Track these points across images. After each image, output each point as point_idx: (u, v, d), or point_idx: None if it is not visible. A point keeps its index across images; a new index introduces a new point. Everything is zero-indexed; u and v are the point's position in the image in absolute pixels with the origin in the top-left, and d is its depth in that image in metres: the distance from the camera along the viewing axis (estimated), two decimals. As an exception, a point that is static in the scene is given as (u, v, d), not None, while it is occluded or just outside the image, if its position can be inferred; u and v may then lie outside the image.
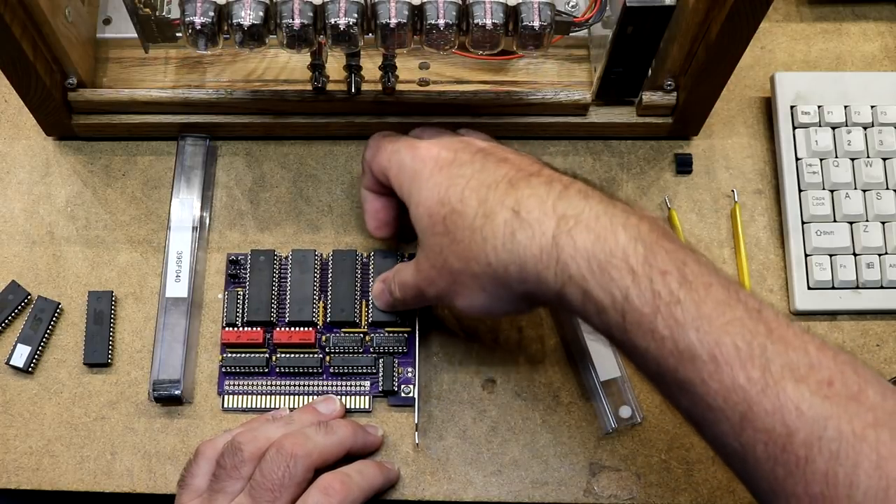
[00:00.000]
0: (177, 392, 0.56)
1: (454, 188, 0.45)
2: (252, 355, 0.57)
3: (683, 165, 0.63)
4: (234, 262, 0.59)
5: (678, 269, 0.40)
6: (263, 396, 0.57)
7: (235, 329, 0.58)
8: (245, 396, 0.57)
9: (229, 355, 0.58)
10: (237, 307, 0.58)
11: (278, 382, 0.57)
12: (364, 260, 0.59)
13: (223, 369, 0.58)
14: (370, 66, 0.59)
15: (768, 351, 0.37)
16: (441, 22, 0.48)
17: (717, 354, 0.38)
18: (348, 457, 0.53)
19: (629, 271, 0.40)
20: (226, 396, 0.57)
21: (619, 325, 0.40)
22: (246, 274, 0.59)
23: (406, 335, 0.58)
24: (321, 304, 0.58)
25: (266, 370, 0.57)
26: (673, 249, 0.40)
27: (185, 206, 0.60)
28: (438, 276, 0.47)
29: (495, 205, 0.43)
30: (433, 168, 0.47)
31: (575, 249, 0.41)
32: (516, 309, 0.47)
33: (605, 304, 0.40)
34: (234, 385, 0.58)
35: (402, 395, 0.57)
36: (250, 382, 0.58)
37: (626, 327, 0.40)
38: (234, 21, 0.48)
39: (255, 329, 0.58)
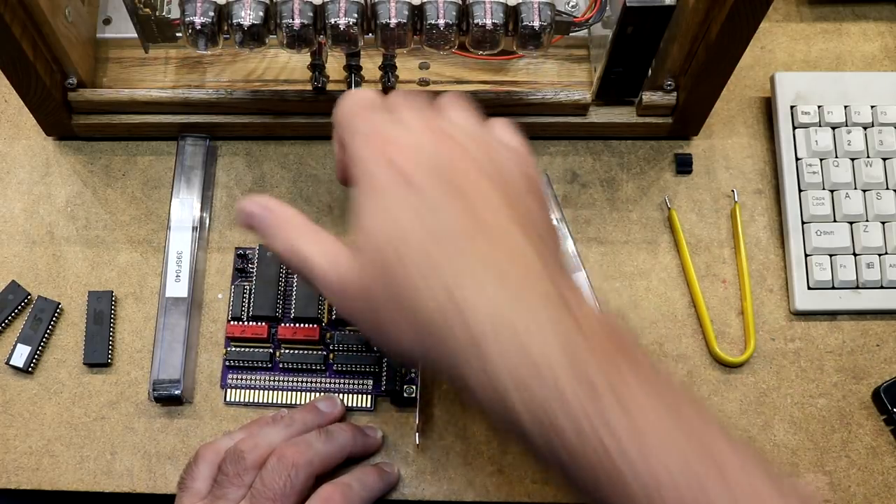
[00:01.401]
0: (177, 392, 0.56)
1: (401, 222, 0.39)
2: (256, 350, 0.57)
3: (683, 165, 0.63)
4: (241, 257, 0.60)
5: None
6: (266, 391, 0.57)
7: (240, 323, 0.58)
8: (248, 391, 0.57)
9: (233, 349, 0.58)
10: (243, 301, 0.58)
11: (281, 378, 0.58)
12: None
13: (227, 363, 0.58)
14: (370, 66, 0.59)
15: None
16: (441, 22, 0.48)
17: None
18: (348, 459, 0.53)
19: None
20: (229, 390, 0.57)
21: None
22: (253, 268, 0.59)
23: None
24: (327, 302, 0.58)
25: (270, 365, 0.57)
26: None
27: (185, 206, 0.60)
28: (371, 296, 0.39)
29: (429, 272, 0.37)
30: (390, 184, 0.39)
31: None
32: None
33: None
34: (237, 379, 0.58)
35: (405, 395, 0.57)
36: (253, 377, 0.58)
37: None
38: (234, 21, 0.48)
39: (259, 324, 0.58)
